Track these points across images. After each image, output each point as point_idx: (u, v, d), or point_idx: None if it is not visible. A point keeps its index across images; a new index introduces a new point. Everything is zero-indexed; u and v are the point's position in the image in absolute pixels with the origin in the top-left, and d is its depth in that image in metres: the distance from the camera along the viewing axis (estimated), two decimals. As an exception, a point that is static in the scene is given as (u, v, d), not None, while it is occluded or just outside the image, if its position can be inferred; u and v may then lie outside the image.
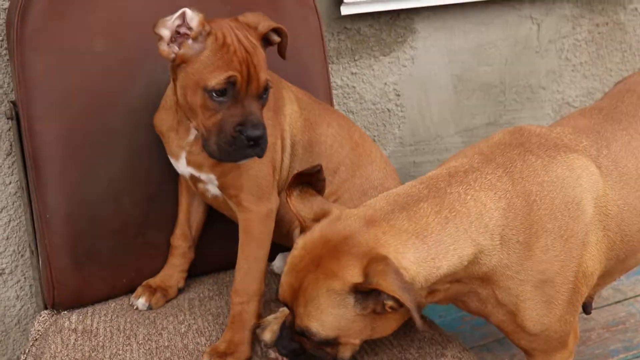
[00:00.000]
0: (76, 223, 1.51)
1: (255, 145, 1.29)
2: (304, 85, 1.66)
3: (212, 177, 1.43)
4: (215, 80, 1.27)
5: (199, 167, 1.43)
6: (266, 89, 1.33)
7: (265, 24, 1.37)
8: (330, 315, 1.13)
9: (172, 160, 1.47)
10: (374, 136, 2.19)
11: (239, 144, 1.28)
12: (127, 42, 1.53)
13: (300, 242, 1.18)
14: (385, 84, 2.15)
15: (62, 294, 1.52)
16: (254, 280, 1.41)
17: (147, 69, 1.54)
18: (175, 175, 1.56)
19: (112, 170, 1.53)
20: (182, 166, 1.45)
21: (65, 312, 1.54)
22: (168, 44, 1.30)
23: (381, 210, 1.18)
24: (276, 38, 1.40)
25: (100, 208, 1.53)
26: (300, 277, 1.14)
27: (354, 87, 2.12)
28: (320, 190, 1.22)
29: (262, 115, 1.32)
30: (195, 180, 1.47)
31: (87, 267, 1.53)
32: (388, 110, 2.17)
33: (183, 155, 1.43)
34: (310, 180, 1.22)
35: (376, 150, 1.60)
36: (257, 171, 1.42)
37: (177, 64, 1.31)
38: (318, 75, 1.75)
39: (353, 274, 1.11)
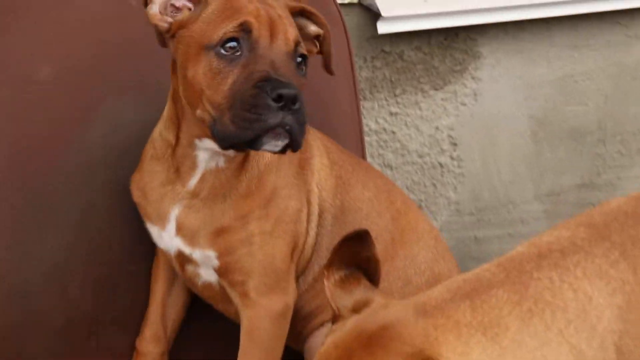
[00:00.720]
0: (2, 318, 1.48)
1: (287, 107, 1.26)
2: (326, 130, 1.67)
3: (211, 254, 1.41)
4: (223, 29, 1.29)
5: (192, 237, 1.41)
6: (302, 54, 1.33)
7: (287, 2, 1.40)
8: None
9: (154, 230, 1.46)
10: (420, 201, 2.18)
11: (262, 105, 1.25)
12: (80, 70, 1.54)
13: (330, 337, 1.17)
14: (437, 128, 2.14)
15: None
16: None
17: (109, 106, 1.55)
18: (145, 252, 1.55)
19: (57, 245, 1.52)
20: (168, 235, 1.44)
21: None
22: (161, 12, 1.33)
23: (437, 298, 1.17)
24: (312, 27, 1.42)
25: (38, 297, 1.51)
26: None
27: (393, 132, 2.12)
28: (374, 280, 1.20)
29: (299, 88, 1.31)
30: (183, 260, 1.45)
31: (15, 384, 1.51)
32: (440, 164, 2.16)
33: (173, 215, 1.42)
34: (359, 260, 1.20)
35: (424, 222, 1.62)
36: (273, 248, 1.41)
37: (172, 34, 1.34)
38: (345, 116, 1.76)
39: None
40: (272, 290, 1.40)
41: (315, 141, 1.51)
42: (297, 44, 1.32)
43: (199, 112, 1.31)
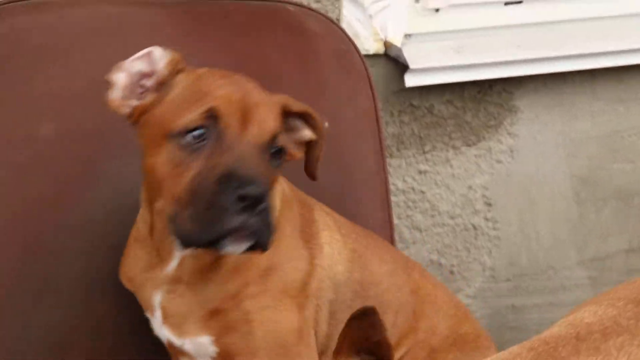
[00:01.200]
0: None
1: (251, 207, 1.20)
2: (349, 189, 1.68)
3: (205, 340, 1.38)
4: (187, 117, 1.23)
5: (180, 325, 1.38)
6: (278, 147, 1.28)
7: (287, 101, 1.35)
8: None
9: (149, 317, 1.45)
10: (452, 266, 2.17)
11: (222, 205, 1.20)
12: (84, 127, 1.55)
13: None
14: (470, 187, 2.14)
15: None
16: None
17: (114, 168, 1.55)
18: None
19: (54, 317, 1.52)
20: (157, 324, 1.41)
21: None
22: (123, 96, 1.30)
23: None
24: (305, 132, 1.38)
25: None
26: None
27: (422, 192, 2.11)
28: None
29: (269, 183, 1.25)
30: (176, 352, 1.43)
31: None
32: (474, 227, 2.16)
33: (157, 301, 1.40)
34: (369, 345, 1.17)
35: (442, 293, 1.63)
36: (278, 323, 1.38)
37: (135, 119, 1.31)
38: (370, 175, 1.75)
39: None
40: None
41: (321, 216, 1.49)
42: (274, 136, 1.27)
43: (158, 204, 1.29)
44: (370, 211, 1.68)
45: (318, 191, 1.61)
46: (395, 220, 2.05)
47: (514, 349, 1.17)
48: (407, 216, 2.10)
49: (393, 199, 2.05)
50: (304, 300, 1.42)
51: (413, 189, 2.10)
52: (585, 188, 2.19)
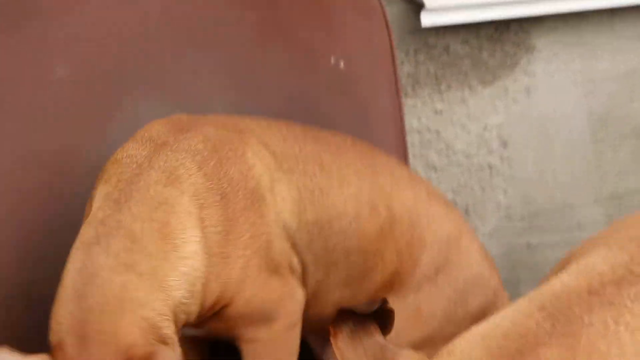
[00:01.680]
0: None
1: None
2: (364, 129, 1.68)
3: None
4: None
5: None
6: None
7: None
8: None
9: None
10: (467, 205, 2.17)
11: None
12: (100, 69, 1.56)
13: None
14: (486, 127, 2.14)
15: None
16: None
17: (131, 109, 1.56)
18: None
19: None
20: None
21: None
22: None
23: None
24: None
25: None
26: None
27: (437, 131, 2.12)
28: (385, 328, 1.16)
29: None
30: None
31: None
32: (489, 166, 2.16)
33: None
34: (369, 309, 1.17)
35: (419, 191, 1.54)
36: (255, 292, 1.33)
37: None
38: (385, 114, 1.76)
39: None
40: (270, 320, 1.35)
41: (257, 158, 1.37)
42: None
43: None
44: (385, 151, 1.68)
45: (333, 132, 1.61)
46: (411, 160, 2.04)
47: (523, 306, 1.14)
48: (422, 155, 2.11)
49: (408, 138, 2.04)
50: (276, 264, 1.37)
51: (428, 128, 2.11)
52: (603, 127, 2.19)
